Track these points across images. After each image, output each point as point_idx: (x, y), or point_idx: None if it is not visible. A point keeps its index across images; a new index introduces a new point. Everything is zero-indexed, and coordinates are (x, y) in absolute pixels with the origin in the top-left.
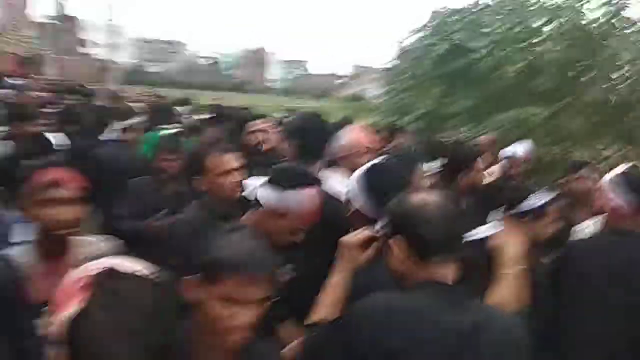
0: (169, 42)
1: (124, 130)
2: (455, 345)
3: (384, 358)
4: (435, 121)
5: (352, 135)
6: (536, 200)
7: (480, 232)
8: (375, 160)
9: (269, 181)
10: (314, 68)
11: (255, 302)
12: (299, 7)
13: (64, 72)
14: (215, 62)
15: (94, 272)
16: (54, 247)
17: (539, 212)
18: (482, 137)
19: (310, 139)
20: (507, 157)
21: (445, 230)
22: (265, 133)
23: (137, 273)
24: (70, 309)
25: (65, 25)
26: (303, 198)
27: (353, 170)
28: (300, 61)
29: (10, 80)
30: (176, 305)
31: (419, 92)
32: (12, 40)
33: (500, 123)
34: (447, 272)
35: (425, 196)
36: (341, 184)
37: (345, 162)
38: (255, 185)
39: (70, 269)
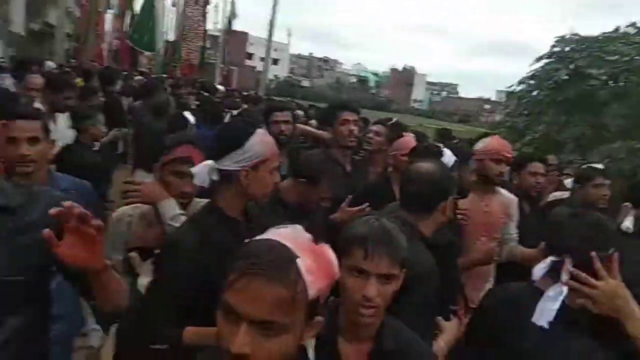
0: (325, 60)
1: None
2: None
3: None
4: (544, 147)
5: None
6: None
7: None
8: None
9: None
10: (464, 91)
11: (377, 276)
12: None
13: (225, 81)
14: (364, 80)
15: None
16: None
17: None
18: None
19: None
20: None
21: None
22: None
23: None
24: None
25: (233, 39)
26: None
27: None
28: (450, 84)
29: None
30: None
31: (534, 117)
32: (189, 49)
33: (608, 153)
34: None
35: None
36: None
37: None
38: (205, 169)
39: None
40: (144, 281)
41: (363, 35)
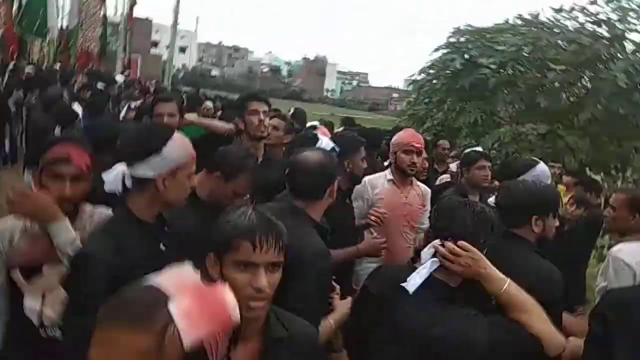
0: (235, 48)
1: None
2: None
3: None
4: (443, 133)
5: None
6: None
7: None
8: None
9: None
10: (374, 80)
11: (266, 265)
12: (363, 17)
13: (127, 71)
14: (276, 69)
15: None
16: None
17: None
18: None
19: None
20: None
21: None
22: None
23: None
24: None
25: (137, 26)
26: None
27: None
28: (360, 73)
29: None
30: None
31: (433, 105)
32: (86, 37)
33: (497, 138)
34: None
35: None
36: None
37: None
38: (118, 176)
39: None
40: (30, 303)
41: (275, 21)
